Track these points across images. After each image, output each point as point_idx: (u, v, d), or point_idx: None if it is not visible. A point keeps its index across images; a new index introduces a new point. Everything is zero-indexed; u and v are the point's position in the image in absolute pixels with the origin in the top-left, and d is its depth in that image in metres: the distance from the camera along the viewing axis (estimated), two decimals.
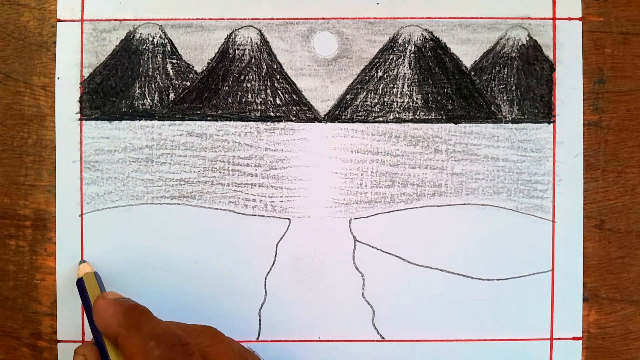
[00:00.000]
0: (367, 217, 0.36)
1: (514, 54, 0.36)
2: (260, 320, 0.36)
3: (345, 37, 0.36)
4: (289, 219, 0.36)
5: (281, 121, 0.36)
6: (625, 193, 0.37)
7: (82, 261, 0.36)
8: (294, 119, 0.36)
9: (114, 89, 0.36)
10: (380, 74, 0.36)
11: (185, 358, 0.28)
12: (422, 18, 0.36)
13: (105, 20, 0.36)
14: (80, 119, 0.36)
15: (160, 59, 0.36)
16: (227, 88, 0.36)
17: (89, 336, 0.36)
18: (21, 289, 0.36)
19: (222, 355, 0.29)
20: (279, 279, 0.36)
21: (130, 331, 0.29)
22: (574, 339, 0.36)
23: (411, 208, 0.36)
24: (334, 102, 0.36)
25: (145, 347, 0.28)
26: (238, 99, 0.36)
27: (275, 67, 0.36)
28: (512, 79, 0.36)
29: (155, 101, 0.36)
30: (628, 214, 0.37)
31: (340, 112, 0.36)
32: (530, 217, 0.36)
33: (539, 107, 0.36)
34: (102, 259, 0.36)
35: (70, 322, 0.36)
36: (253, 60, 0.36)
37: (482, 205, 0.36)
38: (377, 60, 0.36)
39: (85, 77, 0.36)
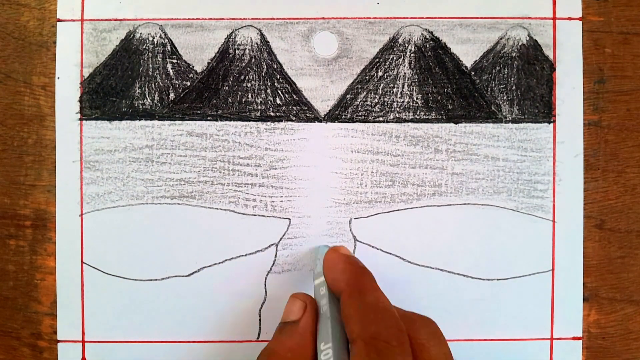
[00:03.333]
0: (367, 217, 0.36)
1: (514, 54, 0.36)
2: (260, 320, 0.36)
3: (346, 37, 0.36)
4: (289, 218, 0.36)
5: (281, 121, 0.36)
6: (625, 193, 0.37)
7: None
8: (294, 118, 0.36)
9: (114, 89, 0.36)
10: (380, 73, 0.36)
11: (398, 347, 0.26)
12: (422, 18, 0.36)
13: (105, 20, 0.36)
14: (80, 119, 0.36)
15: (160, 59, 0.36)
16: (227, 88, 0.36)
17: (89, 336, 0.36)
18: (21, 289, 0.36)
19: (439, 358, 0.27)
20: (279, 279, 0.36)
21: (353, 293, 0.28)
22: (574, 339, 0.36)
23: (411, 208, 0.36)
24: (334, 102, 0.36)
25: (364, 316, 0.27)
26: (238, 98, 0.36)
27: (275, 67, 0.36)
28: (512, 79, 0.36)
29: (155, 101, 0.36)
30: (628, 214, 0.37)
31: (340, 112, 0.36)
32: (530, 217, 0.36)
33: (539, 107, 0.36)
34: (102, 259, 0.36)
35: (70, 322, 0.36)
36: (253, 60, 0.36)
37: (482, 205, 0.36)
38: (377, 60, 0.36)
39: (85, 77, 0.36)
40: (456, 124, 0.36)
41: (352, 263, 0.31)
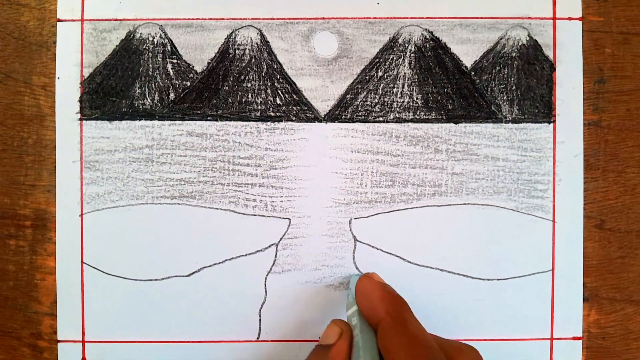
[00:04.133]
0: (367, 217, 0.36)
1: (514, 54, 0.36)
2: (260, 320, 0.36)
3: (346, 37, 0.36)
4: (289, 218, 0.36)
5: (281, 121, 0.36)
6: (625, 193, 0.37)
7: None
8: (294, 118, 0.36)
9: (114, 89, 0.36)
10: (380, 73, 0.36)
11: None
12: (422, 18, 0.36)
13: (105, 20, 0.36)
14: (80, 119, 0.36)
15: (160, 59, 0.36)
16: (227, 88, 0.36)
17: (89, 336, 0.36)
18: (21, 289, 0.36)
19: None
20: (279, 279, 0.36)
21: (394, 325, 0.28)
22: (574, 339, 0.36)
23: (411, 208, 0.36)
24: (334, 102, 0.36)
25: (406, 348, 0.27)
26: (238, 98, 0.36)
27: (275, 67, 0.36)
28: (512, 79, 0.36)
29: (156, 101, 0.36)
30: (628, 214, 0.37)
31: (340, 112, 0.36)
32: (530, 217, 0.36)
33: (539, 107, 0.36)
34: (102, 259, 0.36)
35: (70, 322, 0.36)
36: (253, 60, 0.36)
37: (482, 205, 0.36)
38: (377, 60, 0.36)
39: (85, 77, 0.36)
40: (456, 124, 0.36)
41: (390, 292, 0.30)
